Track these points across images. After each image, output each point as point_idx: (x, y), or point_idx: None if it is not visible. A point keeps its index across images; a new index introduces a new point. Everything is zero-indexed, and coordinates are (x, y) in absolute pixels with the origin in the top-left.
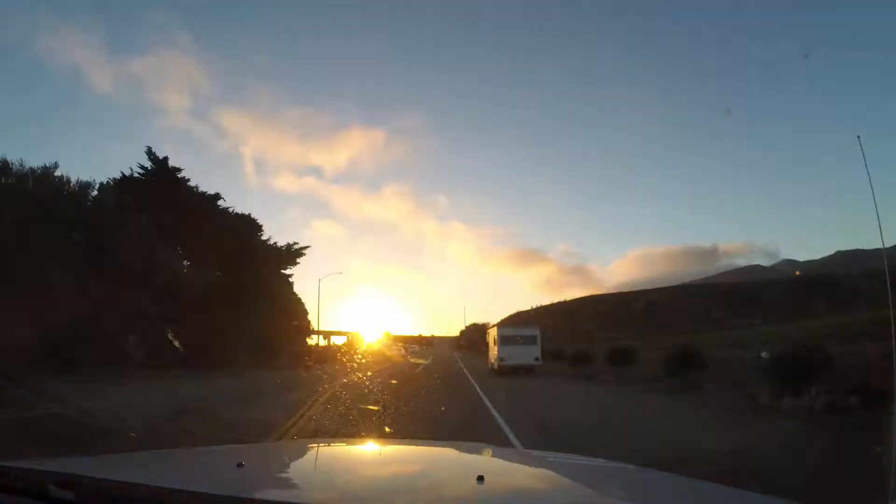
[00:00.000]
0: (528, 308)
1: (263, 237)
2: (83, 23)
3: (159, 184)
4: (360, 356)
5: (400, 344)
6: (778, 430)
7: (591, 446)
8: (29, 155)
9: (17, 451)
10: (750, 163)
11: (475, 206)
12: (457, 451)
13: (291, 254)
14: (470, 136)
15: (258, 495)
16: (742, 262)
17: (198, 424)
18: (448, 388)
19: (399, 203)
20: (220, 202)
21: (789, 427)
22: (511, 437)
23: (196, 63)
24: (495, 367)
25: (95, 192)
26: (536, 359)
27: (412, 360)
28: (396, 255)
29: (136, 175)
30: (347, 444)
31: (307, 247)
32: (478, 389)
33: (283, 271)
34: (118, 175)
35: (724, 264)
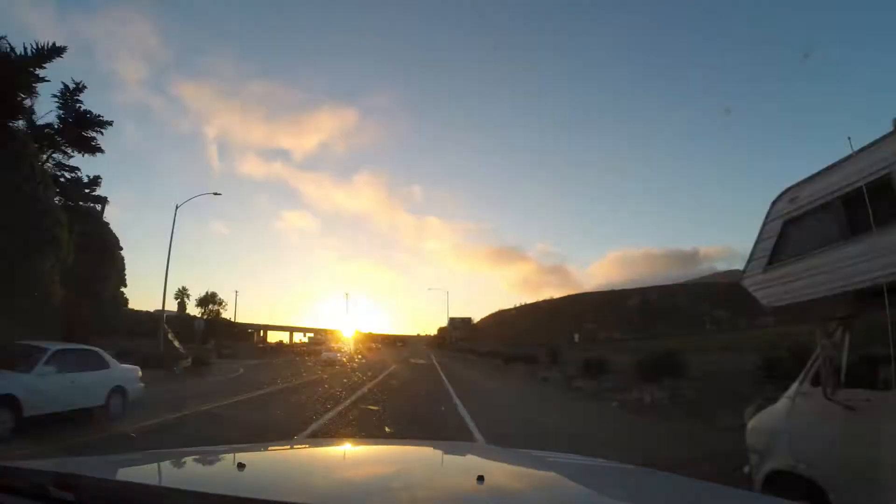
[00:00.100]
0: (511, 307)
1: None
2: None
3: None
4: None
5: (371, 343)
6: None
7: None
8: None
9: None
10: (732, 168)
11: (450, 199)
12: (457, 451)
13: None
14: (445, 124)
15: (258, 496)
16: (722, 266)
17: None
18: None
19: (372, 193)
20: None
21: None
22: None
23: (152, 26)
24: None
25: None
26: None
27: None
28: (370, 249)
29: None
30: (347, 444)
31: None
32: None
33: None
34: None
35: (706, 268)
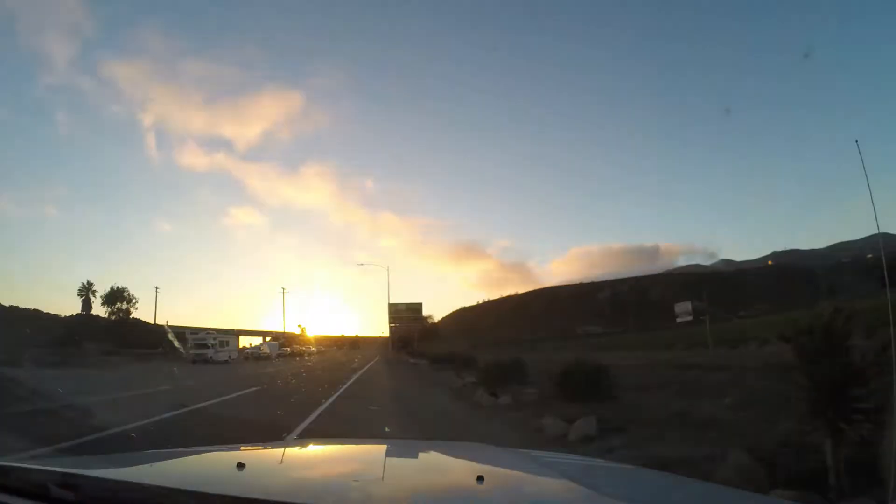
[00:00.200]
0: (475, 303)
1: None
2: None
3: None
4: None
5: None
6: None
7: None
8: None
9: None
10: (693, 164)
11: (405, 193)
12: (456, 451)
13: None
14: (397, 111)
15: (258, 496)
16: (683, 261)
17: None
18: None
19: (321, 186)
20: None
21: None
22: None
23: None
24: None
25: None
26: None
27: None
28: (323, 248)
29: None
30: (347, 444)
31: None
32: None
33: None
34: None
35: (666, 263)
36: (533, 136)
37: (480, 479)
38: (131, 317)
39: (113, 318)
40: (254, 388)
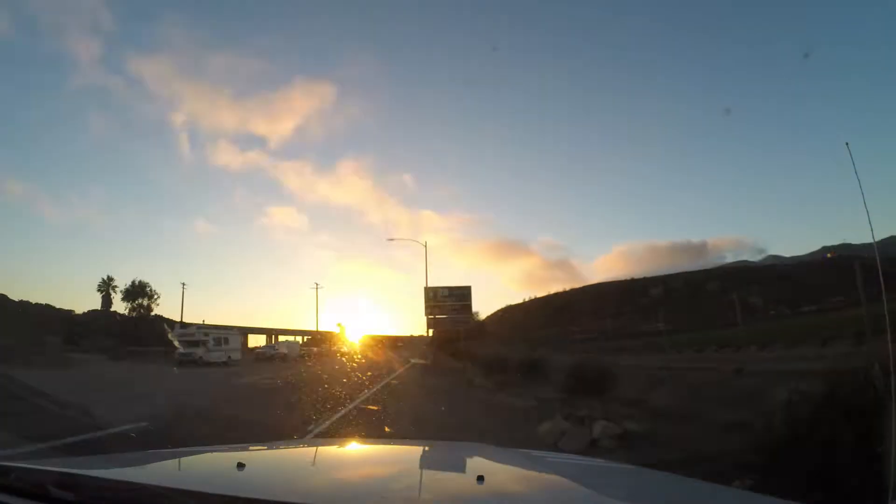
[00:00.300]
0: (521, 301)
1: None
2: None
3: None
4: None
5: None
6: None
7: None
8: None
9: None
10: (739, 160)
11: (445, 190)
12: (457, 451)
13: None
14: (435, 105)
15: (258, 496)
16: (731, 257)
17: None
18: None
19: (358, 183)
20: None
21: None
22: None
23: None
24: None
25: None
26: None
27: None
28: (362, 246)
29: None
30: (347, 445)
31: None
32: None
33: None
34: None
35: (715, 259)
36: (576, 133)
37: (481, 479)
38: (153, 313)
39: (134, 314)
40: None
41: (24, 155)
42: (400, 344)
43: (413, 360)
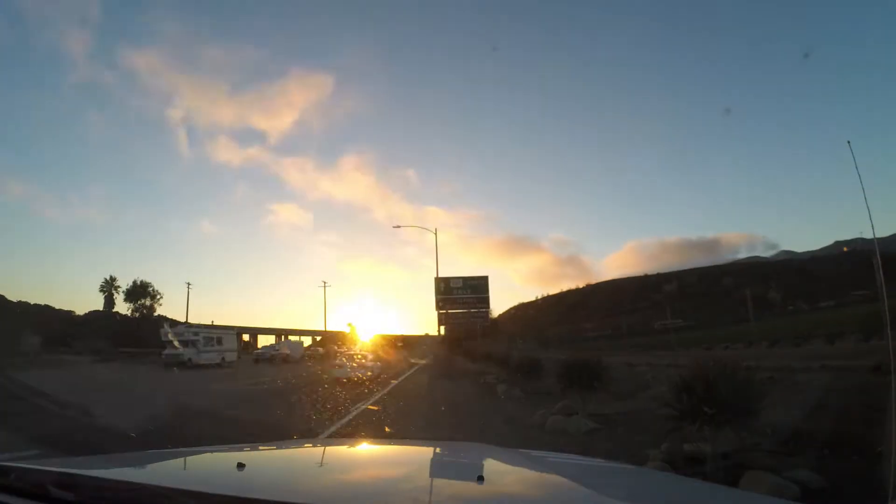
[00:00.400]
0: (534, 298)
1: None
2: None
3: None
4: None
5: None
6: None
7: None
8: None
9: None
10: (750, 156)
11: (450, 185)
12: (457, 451)
13: None
14: (438, 96)
15: (258, 496)
16: (744, 253)
17: None
18: None
19: (361, 179)
20: None
21: None
22: None
23: None
24: None
25: None
26: None
27: None
28: (369, 245)
29: None
30: (347, 445)
31: None
32: None
33: None
34: None
35: (724, 255)
36: (586, 130)
37: (480, 479)
38: (157, 314)
39: (136, 314)
40: None
41: (20, 154)
42: (400, 343)
43: (422, 361)
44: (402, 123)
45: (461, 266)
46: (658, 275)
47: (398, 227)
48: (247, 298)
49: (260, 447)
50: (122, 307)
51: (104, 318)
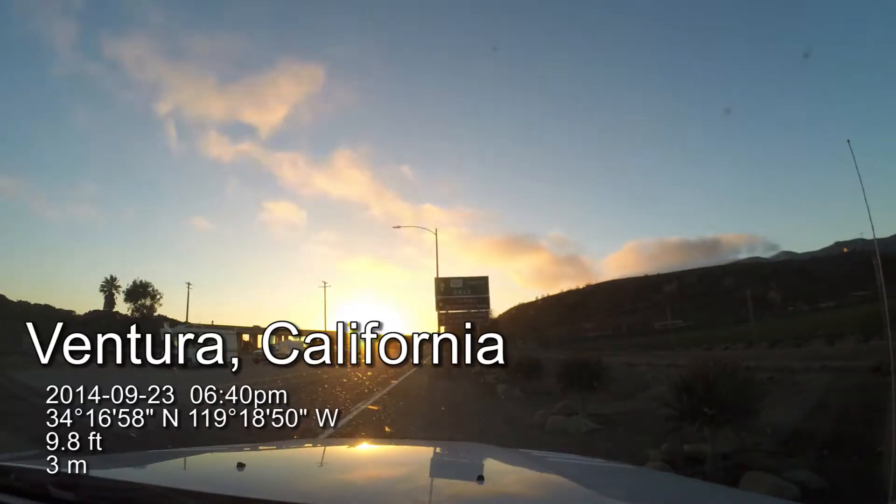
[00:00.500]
0: (534, 299)
1: None
2: None
3: None
4: None
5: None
6: None
7: None
8: None
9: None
10: (750, 156)
11: (450, 184)
12: (457, 451)
13: None
14: (434, 89)
15: (258, 496)
16: (745, 254)
17: None
18: None
19: (355, 175)
20: None
21: None
22: None
23: None
24: None
25: None
26: None
27: None
28: (368, 243)
29: None
30: (347, 445)
31: None
32: None
33: None
34: None
35: (724, 255)
36: (586, 130)
37: (480, 479)
38: (157, 314)
39: (136, 314)
40: None
41: (11, 151)
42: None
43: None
44: (401, 121)
45: (460, 265)
46: (658, 275)
47: (398, 227)
48: (246, 298)
49: (260, 447)
50: (123, 307)
51: (104, 318)
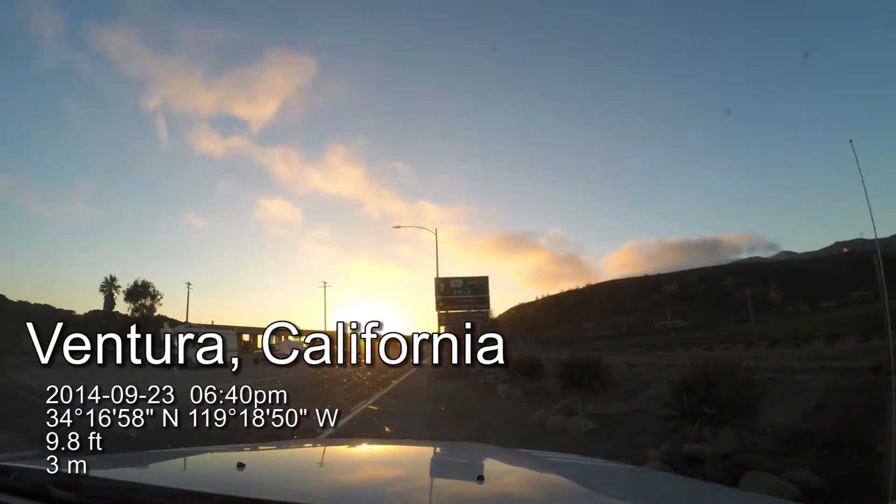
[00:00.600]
0: (533, 299)
1: None
2: None
3: None
4: None
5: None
6: None
7: None
8: None
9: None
10: (750, 156)
11: (448, 182)
12: (457, 451)
13: None
14: (429, 83)
15: (258, 496)
16: (745, 254)
17: None
18: None
19: (350, 171)
20: None
21: None
22: None
23: None
24: None
25: None
26: None
27: None
28: (365, 241)
29: None
30: (347, 445)
31: None
32: None
33: None
34: None
35: (724, 255)
36: (586, 129)
37: (480, 479)
38: (157, 314)
39: (136, 314)
40: None
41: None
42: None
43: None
44: (396, 118)
45: (458, 264)
46: (658, 275)
47: (398, 227)
48: (246, 298)
49: (260, 447)
50: (123, 307)
51: (104, 318)
